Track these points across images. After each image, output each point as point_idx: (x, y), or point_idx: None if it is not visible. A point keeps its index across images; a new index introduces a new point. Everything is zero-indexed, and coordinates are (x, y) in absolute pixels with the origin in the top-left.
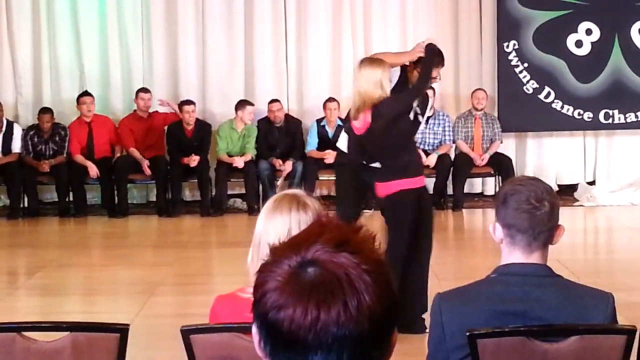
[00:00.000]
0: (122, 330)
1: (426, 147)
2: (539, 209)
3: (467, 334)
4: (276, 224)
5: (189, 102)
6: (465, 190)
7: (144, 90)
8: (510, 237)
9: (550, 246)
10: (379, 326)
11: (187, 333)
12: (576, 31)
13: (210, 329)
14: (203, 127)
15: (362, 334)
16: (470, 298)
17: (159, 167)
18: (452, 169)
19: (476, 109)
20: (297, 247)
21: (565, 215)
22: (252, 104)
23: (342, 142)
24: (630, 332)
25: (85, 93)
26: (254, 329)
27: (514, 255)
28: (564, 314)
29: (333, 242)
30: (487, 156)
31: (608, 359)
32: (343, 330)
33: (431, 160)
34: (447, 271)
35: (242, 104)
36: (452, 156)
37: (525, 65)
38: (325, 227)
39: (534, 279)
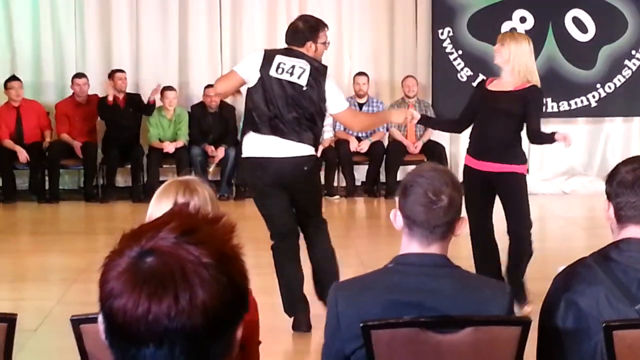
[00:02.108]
0: (9, 320)
1: (359, 134)
2: (435, 203)
3: (361, 325)
4: (161, 209)
5: (120, 71)
6: (399, 178)
7: (79, 75)
8: (409, 227)
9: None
10: (216, 322)
11: (77, 323)
12: (510, 19)
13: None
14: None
15: (195, 329)
16: (366, 288)
17: (89, 153)
18: (385, 156)
19: (407, 96)
20: (141, 236)
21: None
22: (174, 89)
23: None
24: (525, 324)
25: (13, 77)
26: (100, 317)
27: (412, 245)
28: (460, 305)
29: (177, 231)
30: (420, 144)
31: (503, 351)
32: (174, 323)
33: (364, 147)
34: (376, 259)
35: (163, 90)
36: (385, 143)
37: (460, 52)
38: (174, 216)
39: (431, 270)
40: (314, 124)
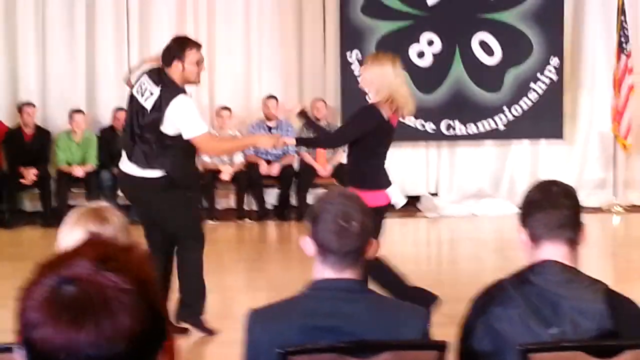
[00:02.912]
0: None
1: (269, 157)
2: (346, 230)
3: (278, 351)
4: (74, 237)
5: (29, 104)
6: (309, 201)
7: None
8: (321, 254)
9: (378, 258)
10: (138, 348)
11: None
12: (418, 41)
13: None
14: (43, 135)
15: (117, 356)
16: (282, 314)
17: None
18: (295, 179)
19: (317, 119)
20: (59, 264)
21: (409, 226)
22: (82, 112)
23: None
24: (441, 347)
25: None
26: (16, 348)
27: (326, 271)
28: (376, 330)
29: (97, 259)
30: (330, 167)
31: None
32: (97, 350)
33: (274, 170)
34: (290, 283)
35: (71, 114)
36: (296, 166)
37: None
38: (92, 245)
39: (345, 294)
40: (158, 146)
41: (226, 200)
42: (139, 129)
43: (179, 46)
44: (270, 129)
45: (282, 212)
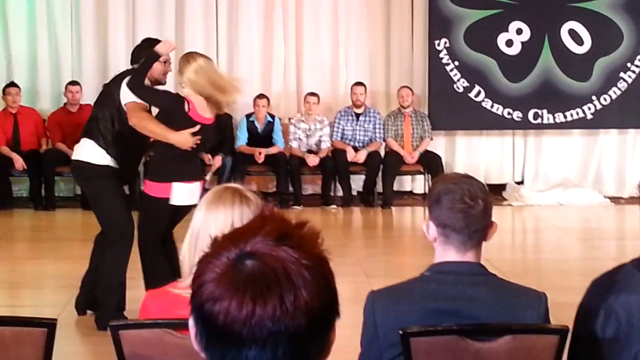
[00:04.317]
0: (49, 325)
1: (356, 144)
2: (473, 208)
3: (400, 332)
4: (218, 216)
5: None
6: (395, 188)
7: (73, 83)
8: (445, 236)
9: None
10: (316, 323)
11: (115, 329)
12: (507, 30)
13: (138, 325)
14: None
15: (298, 330)
16: (403, 296)
17: None
18: (381, 166)
19: (402, 107)
20: (237, 239)
21: (494, 214)
22: None
23: None
24: (562, 332)
25: (11, 84)
26: (191, 321)
27: (448, 253)
28: (496, 313)
29: (274, 235)
30: (416, 154)
31: (540, 359)
32: (278, 325)
33: (361, 157)
34: (376, 269)
35: None
36: (382, 154)
37: (456, 63)
38: (267, 220)
39: (468, 278)
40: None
41: (312, 186)
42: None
43: (147, 45)
44: (358, 116)
45: (367, 198)
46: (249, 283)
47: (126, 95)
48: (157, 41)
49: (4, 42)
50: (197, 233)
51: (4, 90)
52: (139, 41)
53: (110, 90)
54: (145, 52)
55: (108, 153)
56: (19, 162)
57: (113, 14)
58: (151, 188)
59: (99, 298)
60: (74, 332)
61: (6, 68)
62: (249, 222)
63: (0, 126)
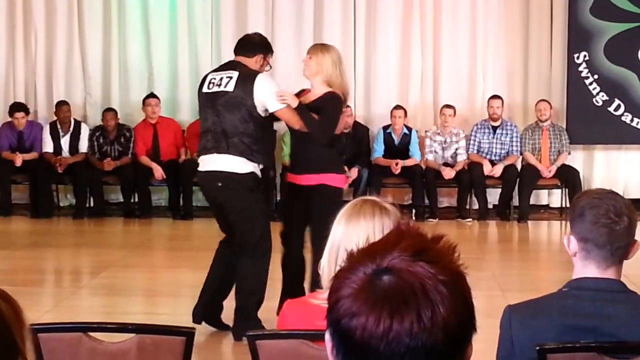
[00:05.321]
0: (188, 334)
1: (493, 157)
2: (617, 224)
3: (537, 348)
4: (359, 228)
5: None
6: (531, 202)
7: None
8: (586, 251)
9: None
10: (453, 339)
11: (252, 338)
12: None
13: (276, 335)
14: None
15: (435, 346)
16: (541, 311)
17: None
18: (518, 180)
19: (540, 120)
20: (374, 254)
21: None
22: None
23: None
24: None
25: (151, 95)
26: (327, 336)
27: (588, 269)
28: (636, 331)
29: (410, 250)
30: (554, 168)
31: None
32: (416, 341)
33: (497, 171)
34: (511, 283)
35: None
36: (519, 167)
37: (596, 77)
38: (403, 235)
39: (607, 295)
40: (247, 135)
41: (448, 199)
42: (221, 119)
43: (266, 45)
44: (494, 129)
45: (503, 212)
46: (386, 299)
47: (273, 104)
48: (267, 41)
49: (147, 55)
50: (337, 246)
51: (144, 101)
52: (277, 50)
53: (237, 100)
54: (263, 50)
55: (254, 161)
56: (158, 172)
57: (252, 24)
58: (334, 179)
59: (236, 309)
60: (210, 342)
61: (147, 79)
62: (384, 236)
63: (140, 136)
